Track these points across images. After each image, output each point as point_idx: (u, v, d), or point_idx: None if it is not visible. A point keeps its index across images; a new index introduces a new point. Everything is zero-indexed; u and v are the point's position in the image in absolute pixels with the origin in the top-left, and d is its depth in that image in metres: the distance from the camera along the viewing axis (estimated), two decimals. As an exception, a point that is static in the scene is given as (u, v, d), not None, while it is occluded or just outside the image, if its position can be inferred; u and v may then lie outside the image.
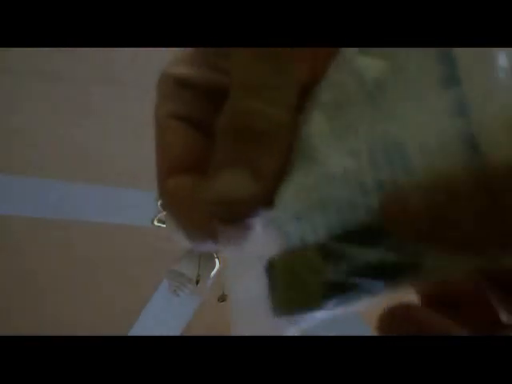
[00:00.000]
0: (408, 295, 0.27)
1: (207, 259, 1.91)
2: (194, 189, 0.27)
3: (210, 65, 0.28)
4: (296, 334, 0.27)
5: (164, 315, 2.23)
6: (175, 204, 0.28)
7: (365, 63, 0.24)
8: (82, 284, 3.27)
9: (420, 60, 0.23)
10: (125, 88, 2.26)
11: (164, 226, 1.90)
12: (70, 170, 2.58)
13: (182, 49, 0.30)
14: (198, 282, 1.83)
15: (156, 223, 1.96)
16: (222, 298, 1.86)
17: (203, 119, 0.28)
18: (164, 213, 1.89)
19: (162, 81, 0.29)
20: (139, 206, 1.95)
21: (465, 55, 0.22)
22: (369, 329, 2.16)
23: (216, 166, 0.24)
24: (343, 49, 0.24)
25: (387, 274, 0.23)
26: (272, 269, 0.25)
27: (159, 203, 1.92)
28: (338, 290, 0.24)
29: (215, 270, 1.94)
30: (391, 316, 0.27)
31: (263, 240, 0.25)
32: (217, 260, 1.95)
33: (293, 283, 0.25)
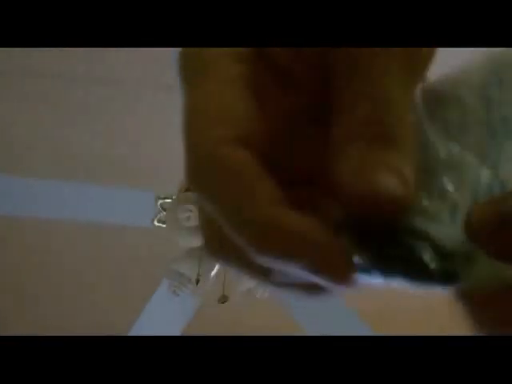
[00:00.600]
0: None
1: (207, 259, 1.91)
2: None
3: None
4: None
5: (164, 315, 2.23)
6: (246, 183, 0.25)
7: (495, 94, 0.25)
8: (82, 284, 3.27)
9: None
10: (125, 88, 2.26)
11: (164, 226, 1.90)
12: (70, 170, 2.58)
13: None
14: (198, 282, 1.83)
15: (156, 223, 1.96)
16: (223, 299, 1.86)
17: (267, 88, 0.27)
18: (164, 213, 1.89)
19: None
20: (139, 206, 1.95)
21: None
22: (369, 329, 2.16)
23: (355, 171, 0.24)
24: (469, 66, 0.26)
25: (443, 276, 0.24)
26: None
27: (159, 203, 1.92)
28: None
29: (215, 270, 1.94)
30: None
31: None
32: (217, 260, 1.95)
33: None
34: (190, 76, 0.27)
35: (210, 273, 1.91)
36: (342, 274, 0.24)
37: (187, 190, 1.87)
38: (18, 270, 3.17)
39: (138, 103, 2.32)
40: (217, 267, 1.95)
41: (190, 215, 1.76)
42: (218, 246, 0.27)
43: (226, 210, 0.25)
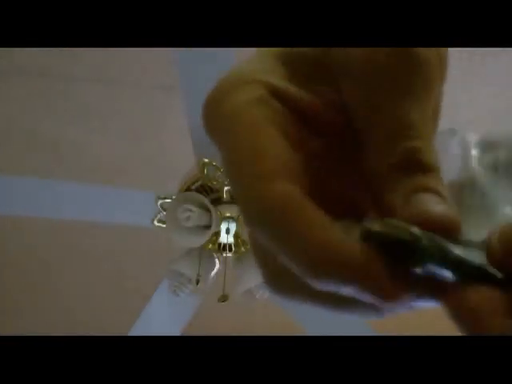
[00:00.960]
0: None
1: (207, 259, 1.91)
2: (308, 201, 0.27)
3: (301, 83, 0.29)
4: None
5: (164, 315, 2.23)
6: (292, 214, 0.26)
7: None
8: (82, 284, 3.27)
9: None
10: (124, 88, 2.26)
11: (164, 226, 1.90)
12: (70, 170, 2.58)
13: (267, 60, 0.30)
14: (198, 282, 1.83)
15: (156, 223, 1.96)
16: (223, 298, 1.86)
17: (292, 134, 0.28)
18: (164, 213, 1.89)
19: (250, 84, 0.29)
20: (139, 206, 1.95)
21: None
22: (369, 329, 2.16)
23: (403, 197, 0.28)
24: None
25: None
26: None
27: (159, 203, 1.92)
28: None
29: (215, 270, 1.94)
30: None
31: None
32: (217, 260, 1.95)
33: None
34: (219, 125, 0.29)
35: (210, 273, 1.91)
36: (392, 293, 0.26)
37: (187, 189, 1.87)
38: (18, 269, 3.17)
39: (138, 103, 2.32)
40: (217, 267, 1.95)
41: (190, 215, 1.76)
42: (280, 282, 0.29)
43: (283, 240, 0.26)
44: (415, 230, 0.26)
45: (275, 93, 0.28)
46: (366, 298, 0.25)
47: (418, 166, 0.28)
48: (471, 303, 0.25)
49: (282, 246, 0.26)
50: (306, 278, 0.26)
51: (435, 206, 0.27)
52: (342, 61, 0.29)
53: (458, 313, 0.25)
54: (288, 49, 0.29)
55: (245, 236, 1.81)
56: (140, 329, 2.24)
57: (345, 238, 0.26)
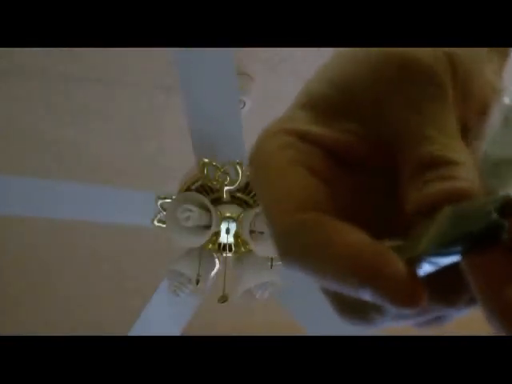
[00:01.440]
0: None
1: (207, 259, 1.91)
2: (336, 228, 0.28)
3: (325, 123, 0.31)
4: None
5: (164, 315, 2.23)
6: (316, 243, 0.28)
7: None
8: (82, 284, 3.27)
9: None
10: (124, 88, 2.26)
11: (164, 226, 1.90)
12: (70, 170, 2.58)
13: (292, 109, 0.33)
14: (198, 282, 1.83)
15: (156, 223, 1.96)
16: (223, 299, 1.86)
17: (321, 171, 0.31)
18: (164, 213, 1.89)
19: (278, 133, 0.32)
20: (139, 206, 1.95)
21: None
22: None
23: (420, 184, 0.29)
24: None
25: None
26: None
27: (159, 203, 1.92)
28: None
29: (215, 270, 1.94)
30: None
31: None
32: (217, 260, 1.95)
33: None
34: (254, 174, 0.32)
35: (210, 273, 1.91)
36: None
37: (187, 189, 1.87)
38: (18, 269, 3.17)
39: (138, 103, 2.32)
40: (217, 267, 1.95)
41: (190, 215, 1.76)
42: (352, 310, 0.30)
43: (323, 261, 0.28)
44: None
45: (301, 136, 0.31)
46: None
47: (438, 162, 0.29)
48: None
49: (323, 268, 0.28)
50: (356, 293, 0.27)
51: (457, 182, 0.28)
52: (357, 90, 0.31)
53: (495, 313, 0.25)
54: (309, 95, 0.32)
55: (245, 236, 1.81)
56: (140, 329, 2.24)
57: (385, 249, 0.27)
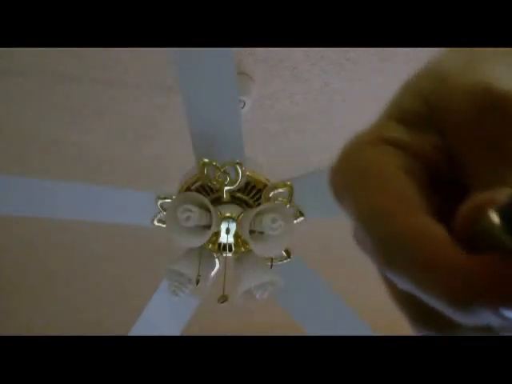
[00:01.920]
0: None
1: (207, 259, 1.91)
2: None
3: (411, 134, 0.32)
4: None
5: (164, 315, 2.23)
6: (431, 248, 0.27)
7: None
8: (82, 284, 3.27)
9: None
10: (124, 88, 2.26)
11: (164, 226, 1.90)
12: (70, 170, 2.58)
13: (379, 119, 0.33)
14: (197, 282, 1.83)
15: (156, 223, 1.96)
16: (223, 299, 1.86)
17: (421, 183, 0.31)
18: (164, 213, 1.89)
19: (371, 141, 0.32)
20: (139, 206, 1.95)
21: None
22: (369, 329, 2.16)
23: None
24: None
25: None
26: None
27: (159, 203, 1.92)
28: None
29: (215, 270, 1.94)
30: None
31: None
32: (217, 260, 1.95)
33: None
34: (350, 177, 0.31)
35: (210, 273, 1.91)
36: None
37: (187, 189, 1.87)
38: (18, 269, 3.17)
39: (138, 103, 2.32)
40: (217, 267, 1.95)
41: (190, 215, 1.76)
42: (425, 319, 0.30)
43: (427, 270, 0.27)
44: None
45: (402, 147, 0.32)
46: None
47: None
48: None
49: (425, 279, 0.27)
50: (451, 309, 0.26)
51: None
52: (443, 113, 0.31)
53: None
54: (402, 110, 0.33)
55: (245, 236, 1.81)
56: (140, 329, 2.24)
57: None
